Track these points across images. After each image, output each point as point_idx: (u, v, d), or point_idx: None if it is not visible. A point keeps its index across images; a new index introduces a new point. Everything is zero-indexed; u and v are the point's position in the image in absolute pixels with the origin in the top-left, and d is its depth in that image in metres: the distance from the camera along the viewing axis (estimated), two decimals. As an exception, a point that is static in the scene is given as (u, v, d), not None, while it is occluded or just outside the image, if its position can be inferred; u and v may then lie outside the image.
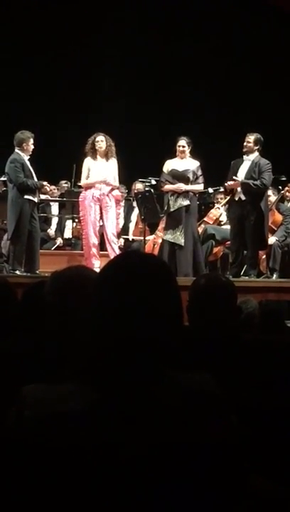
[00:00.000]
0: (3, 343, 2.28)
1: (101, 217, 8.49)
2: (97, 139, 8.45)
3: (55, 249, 10.33)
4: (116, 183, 8.61)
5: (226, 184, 8.48)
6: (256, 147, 8.38)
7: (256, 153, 8.39)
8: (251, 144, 8.37)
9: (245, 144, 8.38)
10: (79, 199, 8.68)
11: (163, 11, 11.87)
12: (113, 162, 8.51)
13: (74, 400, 1.27)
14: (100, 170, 8.45)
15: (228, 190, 8.53)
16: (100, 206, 8.46)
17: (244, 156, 8.43)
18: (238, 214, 8.40)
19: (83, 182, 8.61)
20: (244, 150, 8.40)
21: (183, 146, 8.46)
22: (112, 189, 8.54)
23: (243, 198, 8.31)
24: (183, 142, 8.47)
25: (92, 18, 11.77)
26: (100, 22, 11.76)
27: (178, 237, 8.31)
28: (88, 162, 8.51)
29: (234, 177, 8.33)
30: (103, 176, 8.43)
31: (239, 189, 8.33)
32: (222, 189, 9.47)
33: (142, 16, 11.88)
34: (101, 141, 8.44)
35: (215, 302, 2.38)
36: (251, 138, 8.39)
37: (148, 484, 1.23)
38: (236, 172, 8.39)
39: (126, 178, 9.45)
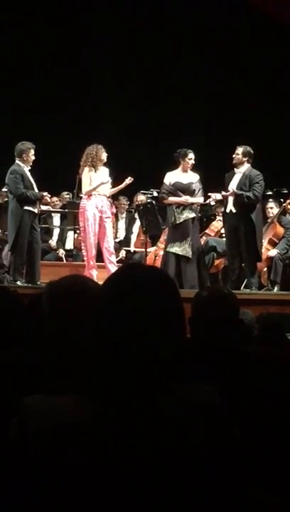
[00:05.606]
0: (9, 354, 2.27)
1: (99, 229, 8.40)
2: (102, 148, 8.36)
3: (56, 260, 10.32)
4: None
5: (221, 194, 8.50)
6: (245, 159, 8.44)
7: (247, 165, 8.45)
8: (239, 156, 8.44)
9: (234, 156, 8.47)
10: (80, 210, 8.54)
11: (158, 25, 11.96)
12: (107, 170, 8.48)
13: (76, 411, 1.27)
14: (104, 179, 8.41)
15: (222, 199, 8.54)
16: (100, 217, 8.41)
17: (235, 169, 8.48)
18: (230, 225, 8.48)
19: (87, 189, 8.40)
20: (233, 162, 8.48)
21: (194, 160, 8.46)
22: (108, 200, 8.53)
23: (234, 210, 8.35)
24: (194, 155, 8.48)
25: (87, 34, 11.85)
26: (97, 37, 11.84)
27: (187, 249, 8.29)
28: (89, 173, 8.35)
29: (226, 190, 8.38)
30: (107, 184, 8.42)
31: (230, 201, 8.36)
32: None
33: (138, 30, 11.95)
34: (104, 151, 8.39)
35: (217, 314, 2.38)
36: (239, 150, 8.46)
37: (150, 497, 1.23)
38: (228, 184, 8.44)
39: (128, 189, 9.45)
